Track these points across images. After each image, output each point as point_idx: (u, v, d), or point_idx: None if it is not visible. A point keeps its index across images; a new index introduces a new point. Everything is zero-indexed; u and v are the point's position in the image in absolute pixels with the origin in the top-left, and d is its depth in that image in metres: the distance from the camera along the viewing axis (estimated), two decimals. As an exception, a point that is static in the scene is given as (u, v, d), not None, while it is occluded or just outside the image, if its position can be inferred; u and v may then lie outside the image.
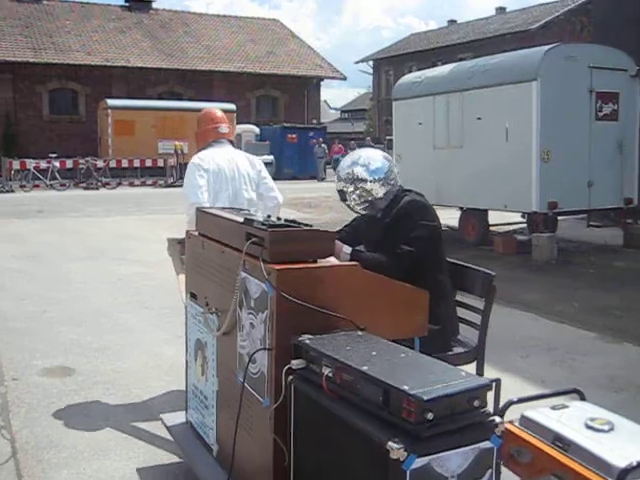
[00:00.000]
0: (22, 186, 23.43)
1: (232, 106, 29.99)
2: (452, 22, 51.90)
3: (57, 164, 24.53)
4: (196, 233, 3.38)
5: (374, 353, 2.29)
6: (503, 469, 2.51)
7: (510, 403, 2.70)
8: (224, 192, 4.41)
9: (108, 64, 31.94)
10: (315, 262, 2.65)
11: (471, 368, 3.47)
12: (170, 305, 6.43)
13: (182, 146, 25.74)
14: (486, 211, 11.76)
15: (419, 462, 1.91)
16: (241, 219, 2.87)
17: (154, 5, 38.65)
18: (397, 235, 3.52)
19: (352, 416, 2.10)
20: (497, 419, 2.08)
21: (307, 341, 2.39)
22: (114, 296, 7.79)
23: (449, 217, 14.77)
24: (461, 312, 3.82)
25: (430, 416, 1.91)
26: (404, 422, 1.94)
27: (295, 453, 2.40)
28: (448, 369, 2.18)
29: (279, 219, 2.83)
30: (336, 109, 69.42)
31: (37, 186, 23.79)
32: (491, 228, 12.15)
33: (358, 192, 3.59)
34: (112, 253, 10.57)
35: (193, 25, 38.18)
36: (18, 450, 3.85)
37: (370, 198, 3.61)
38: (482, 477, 2.05)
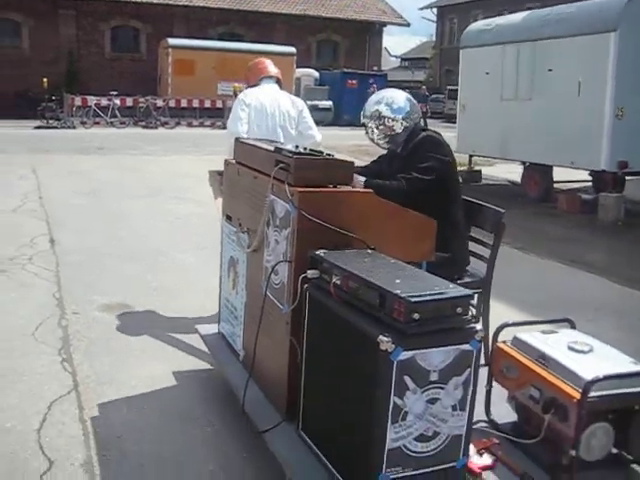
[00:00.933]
0: (83, 122, 23.61)
1: (292, 49, 29.61)
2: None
3: (117, 102, 24.58)
4: (233, 161, 3.70)
5: (377, 266, 2.60)
6: (495, 384, 2.94)
7: (505, 325, 3.00)
8: (263, 126, 4.79)
9: (170, 2, 31.61)
10: (335, 187, 2.96)
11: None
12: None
13: (241, 87, 25.41)
14: (551, 167, 11.41)
15: (405, 355, 2.22)
16: (272, 148, 3.17)
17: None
18: (410, 166, 3.81)
19: (353, 317, 2.42)
20: (477, 326, 2.37)
21: (322, 254, 2.69)
22: (172, 234, 7.83)
23: (509, 171, 14.46)
24: (474, 247, 4.11)
25: (416, 316, 2.22)
26: (394, 321, 2.26)
27: (307, 351, 2.72)
28: (439, 281, 2.48)
29: (305, 149, 3.14)
30: (396, 57, 68.18)
31: (97, 123, 23.96)
32: (555, 185, 11.80)
33: (381, 128, 3.93)
34: (169, 192, 10.60)
35: (255, -35, 37.49)
36: (79, 383, 3.88)
37: (391, 133, 3.93)
38: (461, 375, 2.35)
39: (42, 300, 5.30)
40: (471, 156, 13.56)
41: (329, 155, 3.07)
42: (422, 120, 4.16)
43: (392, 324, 2.27)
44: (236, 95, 24.52)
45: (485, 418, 2.96)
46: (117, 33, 31.93)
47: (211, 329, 4.03)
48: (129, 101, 25.11)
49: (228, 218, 3.73)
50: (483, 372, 2.80)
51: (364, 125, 4.02)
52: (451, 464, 2.42)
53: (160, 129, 24.40)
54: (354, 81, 28.77)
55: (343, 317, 2.47)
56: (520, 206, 11.13)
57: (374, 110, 3.94)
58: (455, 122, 37.54)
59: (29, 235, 7.40)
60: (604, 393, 2.52)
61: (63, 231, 7.70)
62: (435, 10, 50.54)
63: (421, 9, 50.40)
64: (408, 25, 37.89)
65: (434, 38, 58.13)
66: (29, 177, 11.73)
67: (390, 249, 2.84)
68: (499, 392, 2.97)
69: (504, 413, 2.96)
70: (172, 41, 28.52)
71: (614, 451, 2.64)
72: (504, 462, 2.69)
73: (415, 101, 4.09)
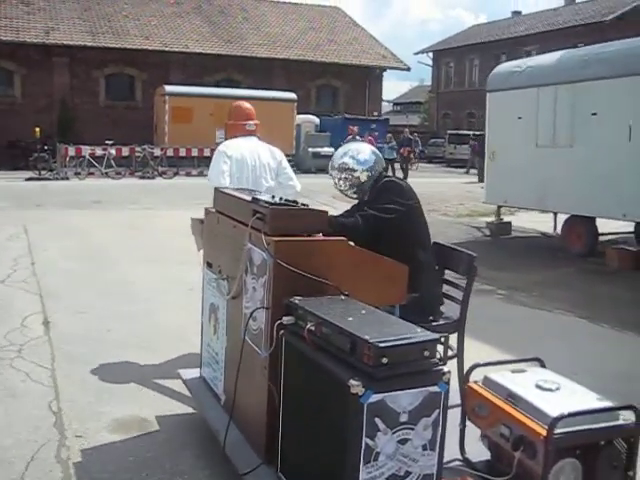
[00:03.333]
0: (77, 173, 22.65)
1: (293, 95, 29.02)
2: (516, 13, 50.11)
3: (113, 151, 23.66)
4: (213, 210, 3.83)
5: (349, 312, 2.70)
6: (468, 422, 3.03)
7: (476, 366, 3.11)
8: (244, 178, 4.88)
9: (166, 49, 30.95)
10: (310, 236, 3.07)
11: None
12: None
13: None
14: (594, 219, 10.39)
15: (375, 397, 2.35)
16: (249, 198, 3.30)
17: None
18: (372, 208, 4.00)
19: (326, 361, 2.53)
20: (445, 369, 2.48)
21: (297, 301, 2.81)
22: (188, 311, 6.53)
23: (531, 220, 13.42)
24: (450, 290, 4.26)
25: (385, 360, 2.34)
26: (364, 365, 2.38)
27: (284, 395, 2.81)
28: (407, 326, 2.60)
29: (281, 199, 3.24)
30: (388, 101, 68.14)
31: (92, 174, 22.99)
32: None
33: (348, 178, 4.14)
34: (175, 254, 9.06)
35: (252, 11, 36.90)
36: None
37: (357, 183, 4.14)
38: (430, 415, 2.46)
39: (35, 416, 4.12)
40: (499, 207, 12.56)
41: (304, 205, 3.20)
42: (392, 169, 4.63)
43: (362, 368, 2.38)
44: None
45: (459, 457, 3.07)
46: (112, 81, 31.34)
47: (193, 373, 4.14)
48: (125, 150, 24.22)
49: (209, 265, 3.84)
50: (458, 411, 3.06)
51: (332, 176, 4.22)
52: (422, 503, 2.48)
53: (158, 179, 23.46)
54: (356, 127, 27.90)
55: (316, 362, 2.58)
56: (565, 263, 10.14)
57: (341, 162, 4.16)
58: (457, 166, 36.74)
59: (20, 315, 6.25)
60: (570, 429, 2.60)
61: (59, 308, 6.55)
62: (431, 54, 50.28)
63: (416, 54, 50.18)
64: (408, 69, 37.41)
65: (426, 82, 58.02)
66: (20, 237, 10.62)
67: (363, 294, 2.96)
68: (473, 431, 3.04)
69: (478, 451, 3.03)
70: (169, 88, 27.79)
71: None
72: (477, 500, 2.75)
73: (379, 153, 4.33)
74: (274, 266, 2.91)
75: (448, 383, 2.47)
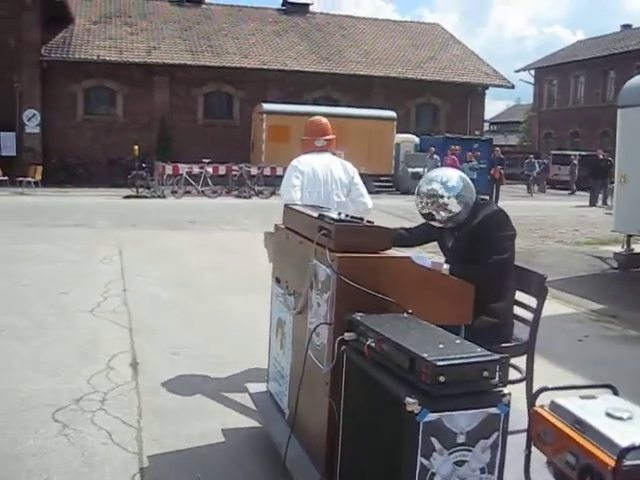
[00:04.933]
0: (174, 192, 22.59)
1: (392, 114, 28.29)
2: (626, 27, 47.65)
3: (210, 170, 23.47)
4: (282, 226, 3.87)
5: (411, 330, 2.71)
6: (534, 448, 2.88)
7: (543, 389, 2.95)
8: (315, 192, 4.86)
9: (264, 67, 30.75)
10: (374, 253, 3.07)
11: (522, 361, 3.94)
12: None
13: (340, 155, 23.94)
14: None
15: (431, 417, 2.31)
16: (316, 214, 3.35)
17: (310, 8, 37.35)
18: (486, 243, 3.85)
19: (384, 378, 2.52)
20: (505, 390, 2.46)
21: (359, 317, 2.83)
22: None
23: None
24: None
25: (442, 379, 2.30)
26: (422, 383, 2.34)
27: (344, 411, 2.82)
28: (468, 345, 2.56)
29: (347, 216, 3.32)
30: (485, 121, 66.83)
31: (188, 192, 22.90)
32: None
33: (435, 205, 3.92)
34: None
35: (350, 29, 36.36)
36: None
37: (447, 213, 3.93)
38: (489, 438, 2.42)
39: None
40: (629, 236, 11.26)
41: (369, 222, 3.22)
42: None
43: (419, 386, 2.35)
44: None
45: None
46: (210, 99, 31.28)
47: (260, 388, 4.16)
48: (222, 169, 23.97)
49: (277, 280, 3.87)
50: (525, 436, 2.92)
51: (419, 204, 4.03)
52: (481, 527, 2.44)
53: (254, 199, 22.96)
54: (457, 147, 26.76)
55: (375, 378, 2.57)
56: None
57: (429, 189, 3.98)
58: (562, 188, 34.94)
59: (106, 353, 5.62)
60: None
61: (149, 346, 5.89)
62: (532, 72, 48.51)
63: (517, 71, 48.54)
64: (512, 87, 35.94)
65: (523, 101, 56.22)
66: (113, 259, 10.20)
67: (427, 313, 2.92)
68: (540, 457, 2.90)
69: (544, 479, 2.88)
70: (267, 106, 27.42)
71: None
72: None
73: (469, 180, 4.08)
74: (337, 282, 2.93)
75: (508, 405, 2.44)
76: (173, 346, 5.91)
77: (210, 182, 23.41)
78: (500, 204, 23.25)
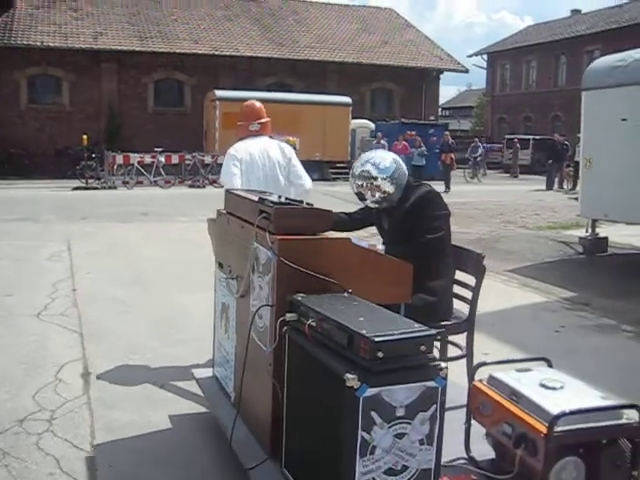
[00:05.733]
0: (125, 182, 21.83)
1: (348, 99, 27.91)
2: (576, 12, 48.05)
3: (162, 159, 22.75)
4: (224, 211, 3.91)
5: (350, 309, 2.74)
6: (474, 422, 3.03)
7: (482, 364, 3.19)
8: (254, 178, 4.92)
9: (216, 53, 30.03)
10: (314, 235, 3.12)
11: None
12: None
13: (295, 141, 23.42)
14: None
15: (371, 391, 2.36)
16: (256, 198, 3.36)
17: (262, -7, 36.63)
18: (419, 223, 3.96)
19: (325, 356, 2.56)
20: (442, 364, 2.49)
21: (299, 298, 2.86)
22: None
23: (630, 235, 11.87)
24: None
25: (380, 354, 2.35)
26: (361, 359, 2.39)
27: (288, 391, 2.84)
28: (405, 322, 2.62)
29: (287, 199, 3.36)
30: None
31: (140, 182, 22.22)
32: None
33: (369, 187, 4.03)
34: None
35: (303, 14, 35.78)
36: None
37: (380, 194, 4.04)
38: (427, 410, 2.47)
39: None
40: (594, 221, 11.07)
41: (309, 205, 3.25)
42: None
43: (359, 362, 2.39)
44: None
45: (465, 455, 3.03)
46: (160, 86, 30.53)
47: (206, 373, 4.17)
48: (174, 158, 23.24)
49: (220, 265, 3.91)
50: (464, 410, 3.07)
51: (353, 186, 4.14)
52: (421, 498, 2.50)
53: (208, 188, 22.36)
54: (413, 132, 26.51)
55: (316, 357, 2.60)
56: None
57: (362, 170, 4.06)
58: (514, 173, 34.97)
59: (55, 362, 5.12)
60: (572, 427, 2.59)
61: (101, 352, 5.42)
62: (485, 57, 48.62)
63: (470, 56, 48.51)
64: (466, 71, 35.85)
65: (474, 86, 56.59)
66: (62, 256, 9.60)
67: (367, 292, 2.96)
68: (479, 430, 3.00)
69: (484, 450, 3.00)
70: (220, 93, 26.66)
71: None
72: (479, 497, 2.74)
73: (402, 162, 4.18)
74: (277, 264, 2.95)
75: (446, 378, 2.49)
76: (128, 351, 5.45)
77: (163, 172, 22.75)
78: (454, 189, 23.16)
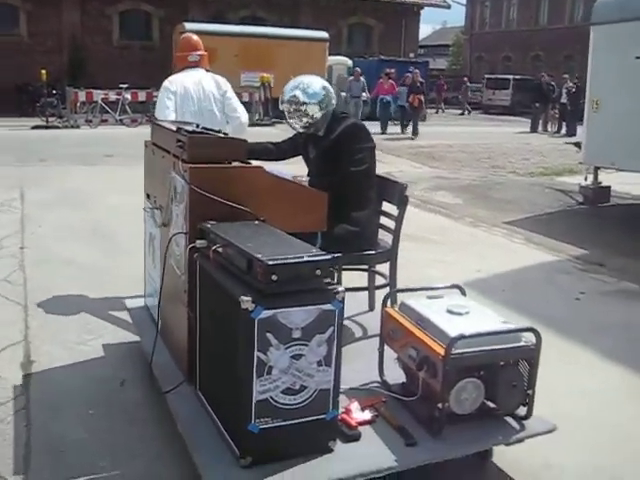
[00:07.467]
0: (88, 121, 20.46)
1: (324, 34, 26.46)
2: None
3: (128, 96, 21.31)
4: (150, 142, 3.89)
5: (256, 236, 2.77)
6: (386, 347, 3.14)
7: (395, 291, 3.46)
8: (188, 112, 4.92)
9: (186, -18, 28.33)
10: (228, 163, 3.14)
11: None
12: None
13: (269, 79, 22.18)
14: None
15: (266, 313, 2.40)
16: (175, 128, 3.36)
17: None
18: (343, 155, 3.96)
19: (226, 280, 2.61)
20: (339, 287, 2.52)
21: (209, 226, 2.88)
22: None
23: (629, 183, 11.03)
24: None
25: (274, 277, 2.38)
26: (257, 282, 2.43)
27: (200, 316, 2.89)
28: (304, 247, 2.65)
29: (204, 128, 3.40)
30: (415, 43, 66.29)
31: (105, 121, 20.82)
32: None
33: (298, 113, 4.02)
34: None
35: (276, -59, 34.00)
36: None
37: (308, 119, 4.03)
38: (324, 332, 2.51)
39: None
40: (596, 169, 10.22)
41: (224, 134, 3.37)
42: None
43: (254, 286, 2.44)
44: (264, 87, 21.17)
45: (379, 379, 3.16)
46: (126, 18, 28.70)
47: (138, 303, 4.20)
48: (141, 95, 21.65)
49: (147, 196, 3.89)
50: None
51: (282, 111, 4.12)
52: (320, 416, 2.56)
53: (177, 126, 21.08)
54: (392, 70, 25.24)
55: (219, 281, 2.65)
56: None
57: (291, 95, 4.02)
58: (497, 113, 34.37)
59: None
60: (469, 350, 2.68)
61: (49, 334, 4.45)
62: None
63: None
64: (448, 7, 34.50)
65: (449, 24, 55.53)
66: (13, 206, 8.50)
67: (279, 220, 2.98)
68: (392, 355, 3.12)
69: (398, 375, 3.12)
70: (190, 26, 25.06)
71: (492, 405, 2.83)
72: (384, 417, 2.84)
73: (331, 88, 4.17)
74: (190, 192, 2.97)
75: (342, 302, 2.51)
76: (81, 329, 4.52)
77: (129, 109, 21.47)
78: (436, 130, 22.05)
